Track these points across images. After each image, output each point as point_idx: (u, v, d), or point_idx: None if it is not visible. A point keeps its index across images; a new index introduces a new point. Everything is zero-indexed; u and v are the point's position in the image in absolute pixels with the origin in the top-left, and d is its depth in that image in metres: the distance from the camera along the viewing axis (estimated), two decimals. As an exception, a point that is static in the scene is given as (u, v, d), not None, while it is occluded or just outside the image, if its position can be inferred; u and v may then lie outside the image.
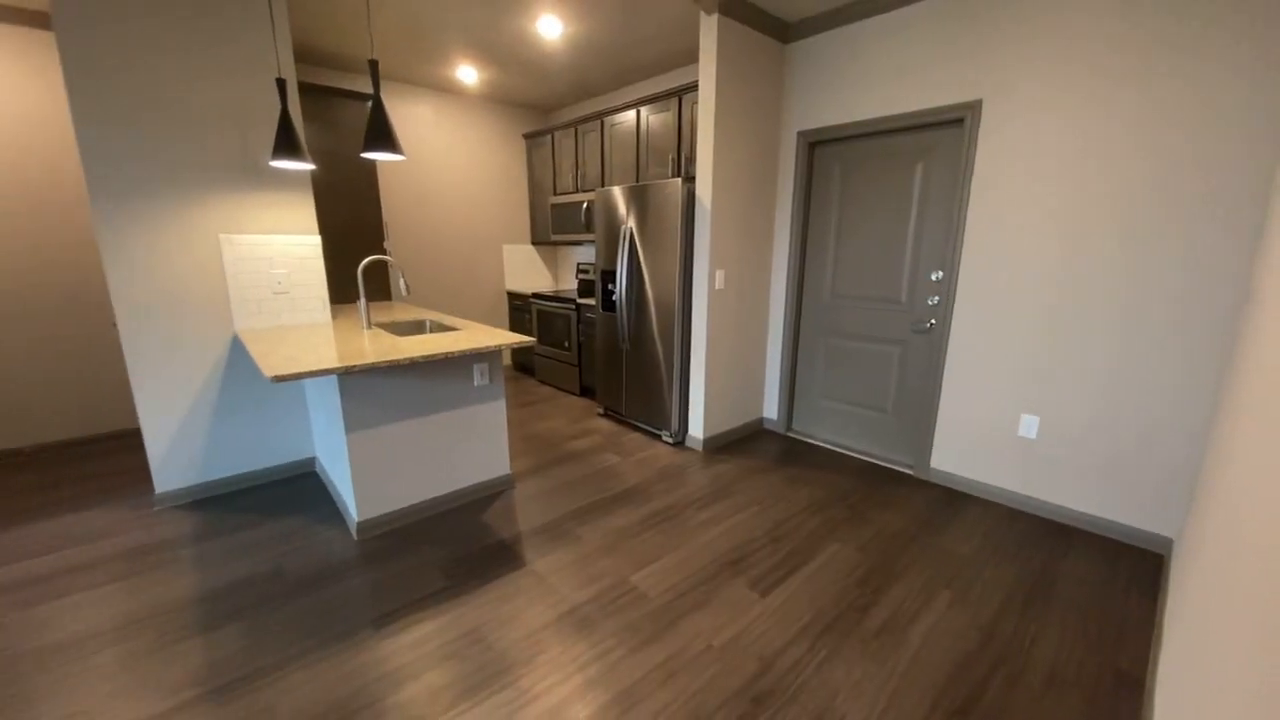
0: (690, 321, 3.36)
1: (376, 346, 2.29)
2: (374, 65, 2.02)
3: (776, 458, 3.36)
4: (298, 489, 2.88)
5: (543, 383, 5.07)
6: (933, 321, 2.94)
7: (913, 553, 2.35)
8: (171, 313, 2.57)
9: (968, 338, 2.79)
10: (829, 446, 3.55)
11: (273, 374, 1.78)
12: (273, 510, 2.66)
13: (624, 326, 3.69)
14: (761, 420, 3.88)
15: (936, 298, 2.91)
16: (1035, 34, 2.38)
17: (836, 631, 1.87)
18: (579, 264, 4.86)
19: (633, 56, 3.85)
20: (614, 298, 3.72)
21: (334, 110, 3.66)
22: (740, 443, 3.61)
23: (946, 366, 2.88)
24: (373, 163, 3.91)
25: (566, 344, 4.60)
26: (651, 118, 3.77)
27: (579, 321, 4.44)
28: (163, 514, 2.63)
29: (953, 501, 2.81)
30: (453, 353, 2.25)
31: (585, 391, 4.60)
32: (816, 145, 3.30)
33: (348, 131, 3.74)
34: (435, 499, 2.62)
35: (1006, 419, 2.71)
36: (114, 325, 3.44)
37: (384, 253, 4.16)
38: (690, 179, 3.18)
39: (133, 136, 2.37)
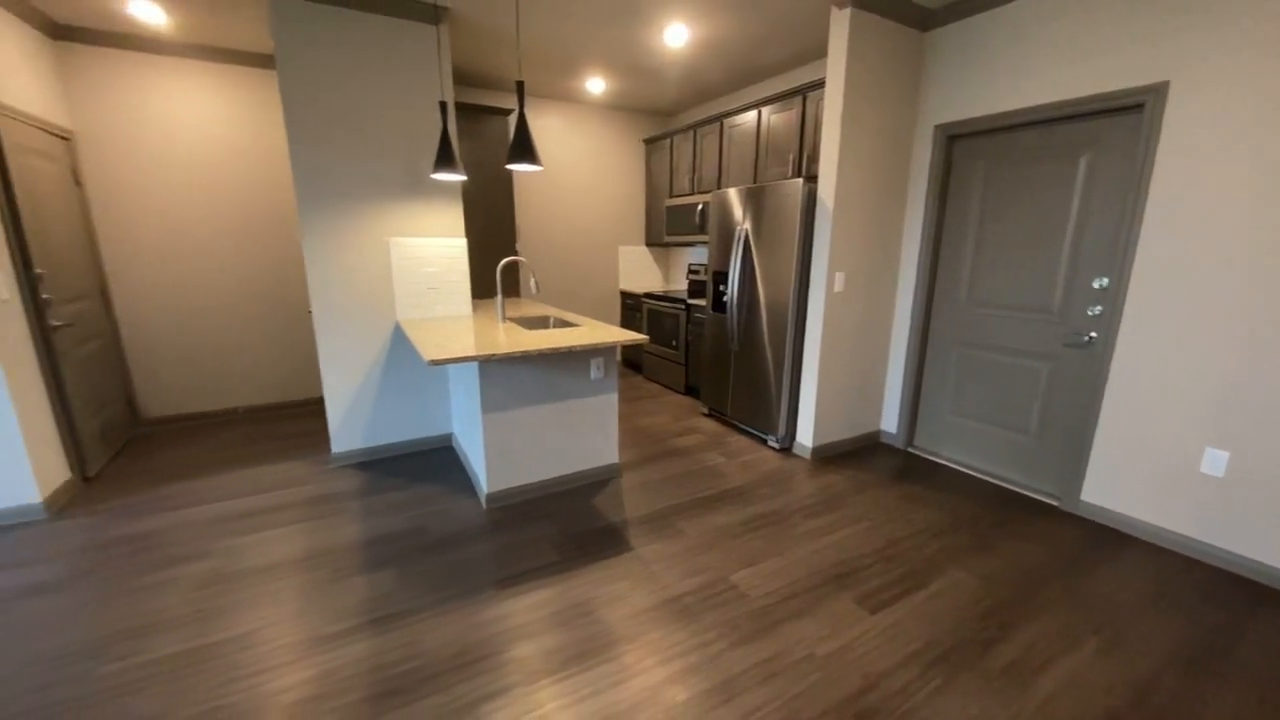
0: (804, 325, 3.28)
1: (511, 338, 2.55)
2: (520, 86, 2.25)
3: (893, 473, 3.17)
4: (437, 460, 3.28)
5: (650, 379, 5.23)
6: (1093, 334, 2.59)
7: (1052, 591, 2.11)
8: (351, 303, 3.05)
9: (1138, 354, 2.42)
10: (956, 467, 3.27)
11: (430, 358, 2.06)
12: (418, 476, 3.06)
13: (734, 328, 3.69)
14: (879, 433, 3.67)
15: (1099, 307, 2.56)
16: (1236, 6, 2.00)
17: (952, 662, 1.74)
18: (690, 265, 4.93)
19: (755, 57, 3.83)
20: (725, 299, 3.74)
21: (478, 125, 4.08)
22: (853, 454, 3.45)
23: (1109, 386, 2.53)
24: (509, 171, 4.30)
25: (674, 343, 4.70)
26: (772, 117, 3.73)
27: (688, 321, 4.51)
28: (336, 471, 3.14)
29: (1107, 541, 2.47)
30: (575, 347, 2.43)
31: (690, 391, 4.67)
32: (956, 139, 3.05)
33: (489, 143, 4.15)
34: (551, 479, 2.84)
35: (1185, 452, 2.32)
36: (309, 312, 4.15)
37: (516, 254, 4.55)
38: (811, 178, 3.10)
39: (329, 155, 2.86)
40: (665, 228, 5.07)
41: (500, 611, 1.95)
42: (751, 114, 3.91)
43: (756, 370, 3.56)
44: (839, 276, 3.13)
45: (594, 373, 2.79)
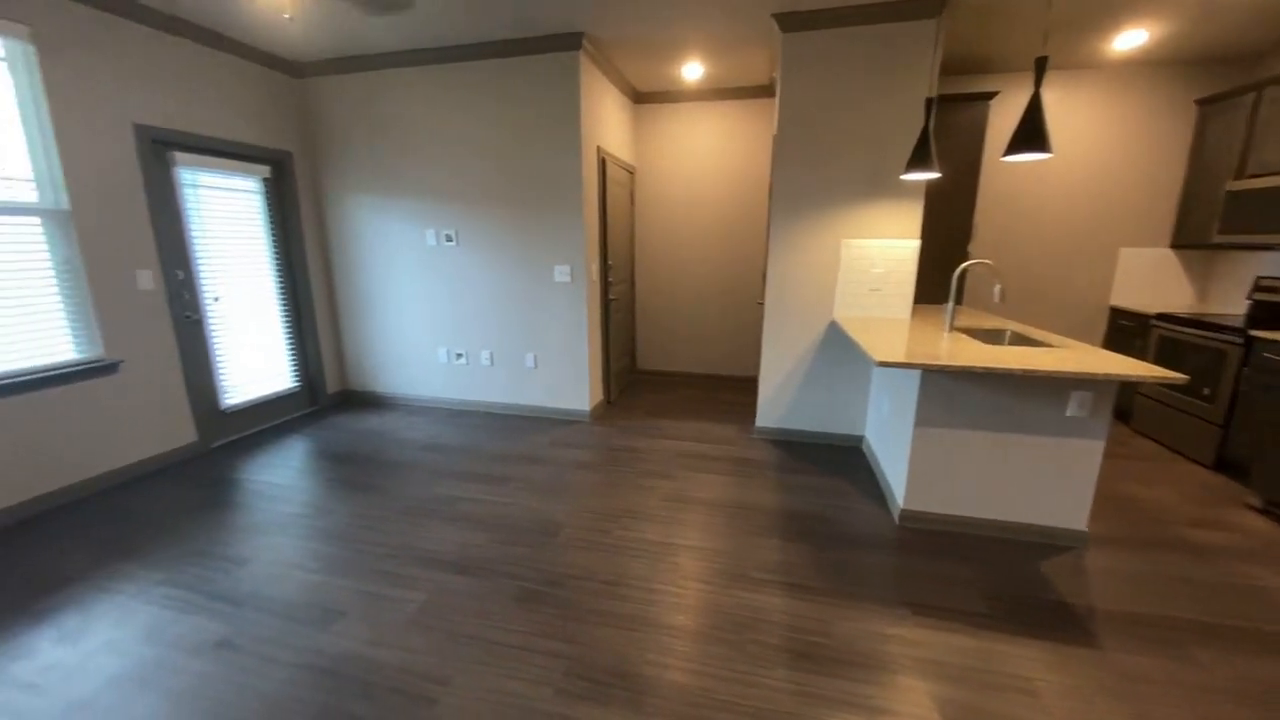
0: None
1: (958, 350, 2.30)
2: (1042, 63, 1.93)
3: None
4: (845, 459, 3.33)
5: (1141, 433, 3.82)
6: None
7: None
8: (797, 297, 3.39)
9: None
10: None
11: (880, 359, 2.08)
12: (826, 468, 3.19)
13: (1365, 387, 2.26)
14: None
15: None
16: None
17: None
18: (1259, 278, 3.29)
19: None
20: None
21: (949, 116, 3.75)
22: None
23: None
24: (975, 163, 3.81)
25: (1207, 391, 3.25)
26: None
27: (1244, 363, 3.03)
28: (758, 442, 3.61)
29: None
30: (1053, 373, 1.99)
31: (1225, 465, 3.16)
32: None
33: (956, 134, 3.77)
34: (983, 520, 2.46)
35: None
36: (759, 304, 4.86)
37: (966, 256, 4.06)
38: None
39: (802, 162, 3.20)
40: (1219, 222, 3.51)
41: (913, 636, 1.85)
42: None
43: None
44: None
45: (1073, 408, 2.22)
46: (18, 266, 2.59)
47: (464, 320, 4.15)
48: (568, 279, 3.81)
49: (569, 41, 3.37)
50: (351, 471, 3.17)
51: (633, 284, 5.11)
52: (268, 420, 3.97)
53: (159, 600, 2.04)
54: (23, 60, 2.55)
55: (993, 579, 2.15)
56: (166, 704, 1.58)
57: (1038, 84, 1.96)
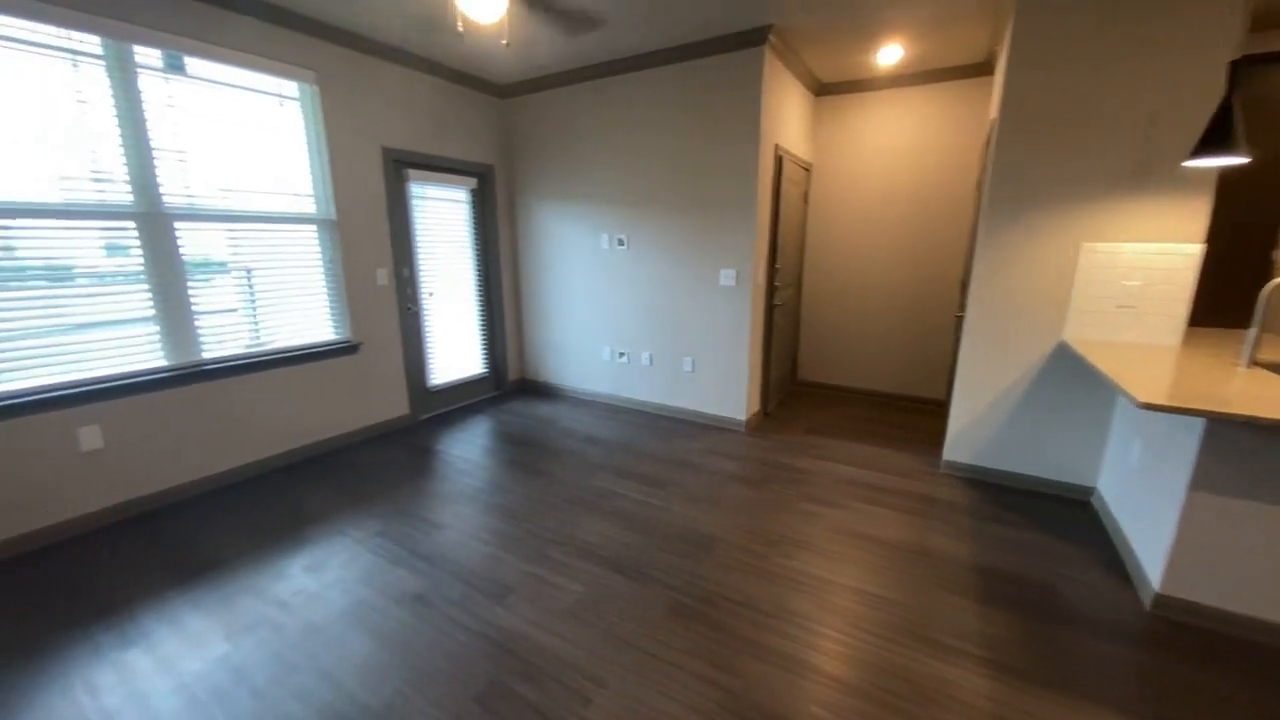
0: None
1: (1271, 395, 1.69)
2: None
3: None
4: (1067, 514, 2.71)
5: None
6: None
7: None
8: (1010, 311, 2.84)
9: None
10: None
11: (1144, 400, 1.61)
12: (1042, 523, 2.62)
13: None
14: None
15: None
16: None
17: None
18: None
19: None
20: None
21: (1256, 83, 2.82)
22: None
23: None
24: (1302, 141, 2.81)
25: None
26: None
27: None
28: (945, 478, 3.12)
29: None
30: None
31: None
32: None
33: (1267, 107, 2.82)
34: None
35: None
36: (958, 316, 4.23)
37: (1271, 263, 3.04)
38: None
39: (1031, 150, 2.65)
40: None
41: (1178, 770, 1.40)
42: None
43: None
44: None
45: None
46: (302, 264, 3.29)
47: (628, 320, 4.28)
48: (733, 282, 3.70)
49: (754, 37, 3.25)
50: (525, 454, 3.46)
51: (799, 289, 4.81)
52: (461, 400, 4.53)
53: (375, 549, 2.40)
54: (310, 100, 3.21)
55: (1316, 719, 1.55)
56: (374, 644, 1.84)
57: None
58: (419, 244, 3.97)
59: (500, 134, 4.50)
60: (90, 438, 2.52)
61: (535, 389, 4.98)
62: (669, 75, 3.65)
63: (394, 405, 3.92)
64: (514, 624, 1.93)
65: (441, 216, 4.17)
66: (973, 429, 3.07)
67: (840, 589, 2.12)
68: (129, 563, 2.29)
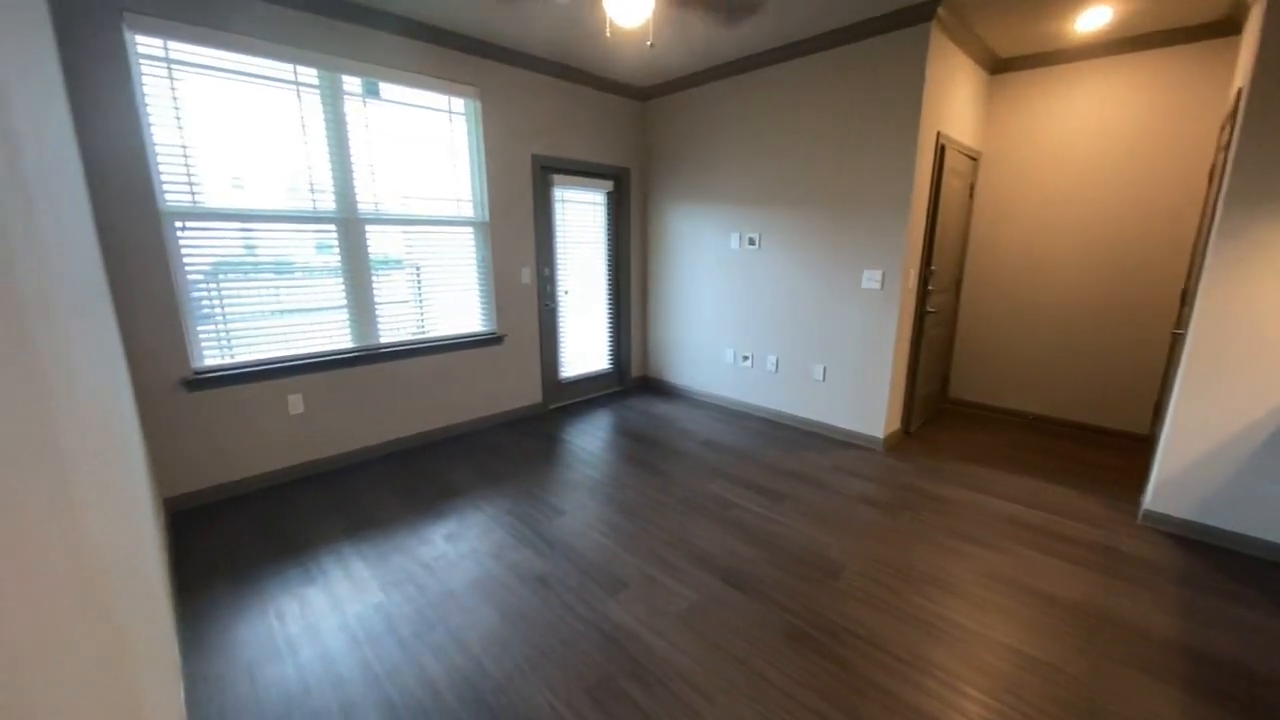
0: None
1: None
2: None
3: None
4: (1336, 599, 2.05)
5: None
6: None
7: None
8: (1258, 330, 2.22)
9: None
10: None
11: None
12: (1291, 605, 2.02)
13: None
14: None
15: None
16: None
17: None
18: None
19: None
20: None
21: None
22: None
23: None
24: None
25: None
26: None
27: None
28: (1146, 531, 2.54)
29: None
30: None
31: None
32: None
33: None
34: None
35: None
36: (1176, 332, 3.42)
37: None
38: None
39: (1310, 128, 2.04)
40: None
41: None
42: None
43: None
44: None
45: None
46: (461, 263, 3.66)
47: (754, 323, 4.12)
48: (877, 285, 3.37)
49: (921, 13, 2.91)
50: (643, 451, 3.50)
51: (957, 294, 4.25)
52: (586, 393, 4.73)
53: (506, 526, 2.59)
54: (472, 114, 3.55)
55: None
56: (497, 618, 1.97)
57: None
58: (559, 245, 4.21)
59: (638, 135, 4.61)
60: (296, 404, 3.05)
61: (655, 387, 5.03)
62: (814, 65, 3.43)
63: (529, 394, 4.21)
64: (626, 621, 1.95)
65: (580, 218, 4.38)
66: (1192, 474, 2.45)
67: (992, 645, 1.82)
68: (313, 512, 2.72)
